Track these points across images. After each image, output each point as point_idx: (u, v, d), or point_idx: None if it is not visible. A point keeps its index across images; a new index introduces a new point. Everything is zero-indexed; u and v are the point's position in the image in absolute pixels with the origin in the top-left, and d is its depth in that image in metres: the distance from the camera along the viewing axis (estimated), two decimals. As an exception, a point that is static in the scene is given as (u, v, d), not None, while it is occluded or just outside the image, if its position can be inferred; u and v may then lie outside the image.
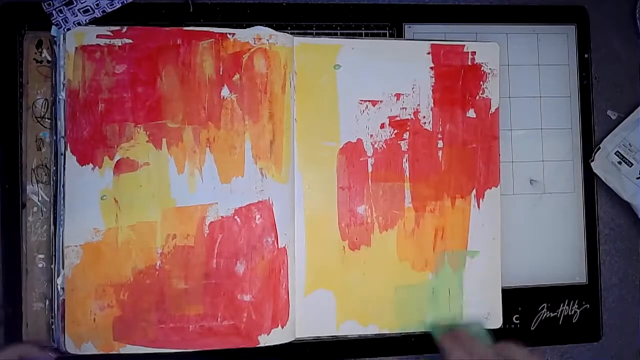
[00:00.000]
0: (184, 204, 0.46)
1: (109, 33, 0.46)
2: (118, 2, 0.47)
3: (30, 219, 0.47)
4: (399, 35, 0.51)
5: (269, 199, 0.47)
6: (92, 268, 0.45)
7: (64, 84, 0.45)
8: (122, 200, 0.45)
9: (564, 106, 0.53)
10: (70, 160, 0.45)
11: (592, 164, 0.53)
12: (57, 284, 0.44)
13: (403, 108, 0.50)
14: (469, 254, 0.50)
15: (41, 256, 0.46)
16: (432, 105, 0.50)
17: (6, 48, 0.47)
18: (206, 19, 0.49)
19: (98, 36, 0.46)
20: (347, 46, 0.49)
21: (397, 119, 0.50)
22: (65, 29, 0.45)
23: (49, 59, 0.47)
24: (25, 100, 0.47)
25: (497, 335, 0.51)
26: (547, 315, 0.52)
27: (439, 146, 0.50)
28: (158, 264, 0.46)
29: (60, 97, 0.45)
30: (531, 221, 0.52)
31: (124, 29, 0.46)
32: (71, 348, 0.44)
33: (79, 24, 0.46)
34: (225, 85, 0.47)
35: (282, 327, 0.47)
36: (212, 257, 0.46)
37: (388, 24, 0.51)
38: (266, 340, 0.46)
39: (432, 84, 0.50)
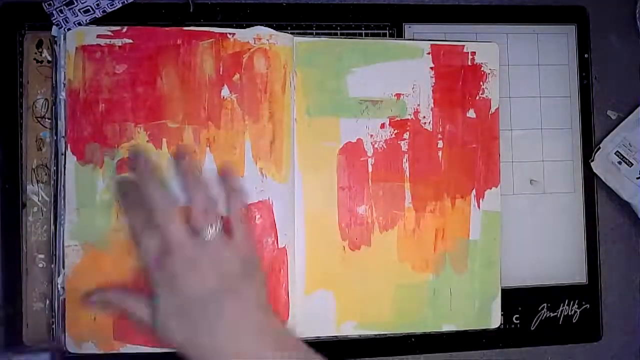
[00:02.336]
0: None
1: (109, 33, 0.46)
2: (118, 2, 0.47)
3: (30, 219, 0.47)
4: (399, 35, 0.51)
5: (269, 199, 0.47)
6: (92, 268, 0.45)
7: (64, 84, 0.45)
8: (122, 200, 0.45)
9: (564, 106, 0.53)
10: (71, 160, 0.45)
11: (592, 164, 0.53)
12: (58, 284, 0.44)
13: (403, 108, 0.50)
14: (470, 254, 0.50)
15: (41, 256, 0.46)
16: (432, 106, 0.50)
17: (6, 48, 0.47)
18: (206, 19, 0.49)
19: (98, 36, 0.46)
20: (347, 46, 0.49)
21: (397, 119, 0.50)
22: (65, 29, 0.45)
23: (49, 59, 0.47)
24: (26, 100, 0.47)
25: (496, 335, 0.51)
26: (547, 315, 0.52)
27: (439, 146, 0.50)
28: (158, 264, 0.45)
29: (61, 97, 0.45)
30: (531, 221, 0.52)
31: (124, 29, 0.46)
32: (72, 347, 0.44)
33: (79, 24, 0.46)
34: (225, 85, 0.47)
35: (282, 327, 0.47)
36: (212, 257, 0.46)
37: (388, 24, 0.51)
38: (266, 340, 0.46)
39: (432, 84, 0.50)
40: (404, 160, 0.50)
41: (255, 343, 0.38)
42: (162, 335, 0.39)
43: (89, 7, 0.46)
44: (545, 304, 0.52)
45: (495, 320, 0.50)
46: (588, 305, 0.53)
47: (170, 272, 0.39)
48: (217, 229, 0.40)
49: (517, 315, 0.52)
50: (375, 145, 0.49)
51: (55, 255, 0.45)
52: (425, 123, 0.50)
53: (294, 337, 0.41)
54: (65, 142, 0.45)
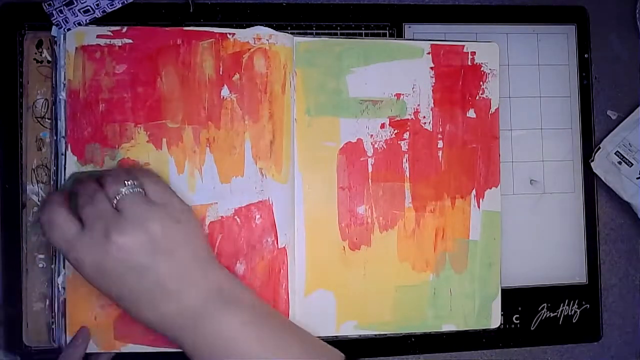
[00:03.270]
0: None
1: (109, 33, 0.46)
2: (118, 2, 0.47)
3: (30, 219, 0.47)
4: (399, 35, 0.51)
5: (269, 199, 0.47)
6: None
7: (64, 84, 0.45)
8: (122, 200, 0.45)
9: (564, 106, 0.53)
10: (71, 160, 0.45)
11: (592, 164, 0.53)
12: (58, 284, 0.44)
13: (403, 108, 0.50)
14: (470, 254, 0.50)
15: (41, 256, 0.46)
16: (432, 105, 0.50)
17: (6, 48, 0.47)
18: (206, 19, 0.49)
19: (98, 36, 0.46)
20: (347, 46, 0.49)
21: (397, 119, 0.50)
22: (65, 29, 0.45)
23: (49, 59, 0.47)
24: (25, 100, 0.47)
25: (497, 335, 0.51)
26: (547, 315, 0.52)
27: (439, 146, 0.50)
28: (158, 264, 0.45)
29: (61, 97, 0.45)
30: (531, 221, 0.53)
31: (124, 29, 0.46)
32: (71, 348, 0.44)
33: (79, 24, 0.46)
34: (225, 85, 0.47)
35: (282, 327, 0.47)
36: (212, 257, 0.46)
37: (388, 24, 0.51)
38: (266, 340, 0.46)
39: (432, 84, 0.50)
40: (404, 160, 0.50)
41: (196, 300, 0.38)
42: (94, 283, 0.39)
43: (88, 7, 0.46)
44: (545, 304, 0.52)
45: (495, 320, 0.50)
46: (588, 305, 0.53)
47: (95, 241, 0.37)
48: (133, 188, 0.39)
49: (517, 315, 0.52)
50: (375, 145, 0.49)
51: (56, 255, 0.45)
52: (425, 123, 0.50)
53: (244, 290, 0.41)
54: (66, 143, 0.45)
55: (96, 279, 0.38)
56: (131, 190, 0.39)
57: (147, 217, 0.38)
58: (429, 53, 0.50)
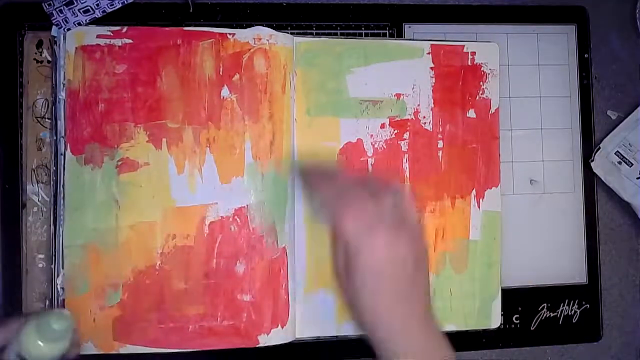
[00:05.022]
0: (184, 204, 0.46)
1: (109, 33, 0.46)
2: (118, 2, 0.47)
3: (30, 219, 0.47)
4: (399, 35, 0.51)
5: (269, 199, 0.47)
6: (92, 268, 0.45)
7: (64, 84, 0.45)
8: (123, 201, 0.45)
9: (564, 106, 0.53)
10: (70, 160, 0.45)
11: (592, 164, 0.53)
12: (57, 284, 0.44)
13: (403, 108, 0.50)
14: (470, 254, 0.50)
15: (41, 256, 0.46)
16: (432, 105, 0.50)
17: (6, 48, 0.47)
18: (206, 19, 0.49)
19: (98, 36, 0.46)
20: (347, 46, 0.49)
21: (397, 119, 0.50)
22: (65, 29, 0.45)
23: (49, 59, 0.47)
24: (25, 100, 0.47)
25: (496, 335, 0.51)
26: (547, 315, 0.52)
27: (439, 146, 0.50)
28: (158, 264, 0.46)
29: (61, 97, 0.45)
30: (531, 221, 0.53)
31: (124, 29, 0.46)
32: (71, 348, 0.44)
33: (79, 24, 0.46)
34: (225, 86, 0.47)
35: (282, 327, 0.47)
36: (212, 257, 0.46)
37: (388, 24, 0.51)
38: (266, 340, 0.46)
39: (432, 84, 0.50)
40: (404, 160, 0.50)
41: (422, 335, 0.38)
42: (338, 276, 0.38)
43: (88, 7, 0.46)
44: (545, 304, 0.52)
45: (495, 320, 0.50)
46: (588, 305, 0.53)
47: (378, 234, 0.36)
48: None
49: (517, 315, 0.52)
50: (375, 145, 0.49)
51: (55, 255, 0.45)
52: (425, 123, 0.50)
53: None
54: (65, 142, 0.45)
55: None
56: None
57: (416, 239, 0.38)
58: (429, 53, 0.50)
